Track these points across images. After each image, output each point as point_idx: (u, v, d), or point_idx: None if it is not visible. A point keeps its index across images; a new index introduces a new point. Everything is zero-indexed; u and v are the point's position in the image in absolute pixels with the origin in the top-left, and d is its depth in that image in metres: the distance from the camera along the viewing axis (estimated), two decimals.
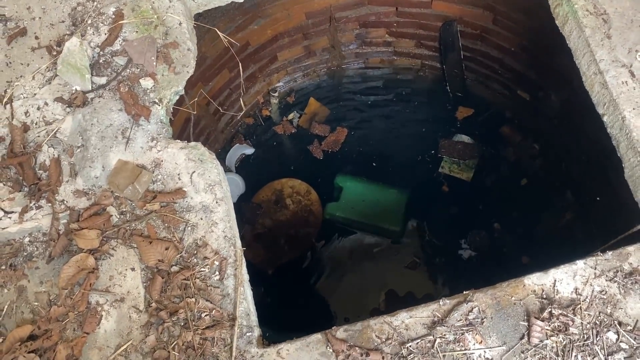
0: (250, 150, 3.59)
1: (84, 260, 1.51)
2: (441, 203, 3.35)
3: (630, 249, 1.45)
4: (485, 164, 3.29)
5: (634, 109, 1.55)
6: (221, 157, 3.52)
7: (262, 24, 3.05)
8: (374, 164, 3.53)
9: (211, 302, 1.47)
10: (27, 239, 1.55)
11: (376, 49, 3.60)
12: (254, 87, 3.51)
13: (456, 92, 3.60)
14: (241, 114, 3.51)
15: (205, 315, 1.46)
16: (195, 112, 1.88)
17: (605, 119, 1.63)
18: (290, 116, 3.67)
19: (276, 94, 3.59)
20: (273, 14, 3.02)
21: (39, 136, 1.61)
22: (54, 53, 1.66)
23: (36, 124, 1.62)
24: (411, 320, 1.43)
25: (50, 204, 1.56)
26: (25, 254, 1.54)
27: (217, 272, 1.50)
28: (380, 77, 3.81)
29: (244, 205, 3.34)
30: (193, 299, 1.47)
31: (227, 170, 3.35)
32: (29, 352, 1.41)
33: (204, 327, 1.45)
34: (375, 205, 3.28)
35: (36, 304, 1.50)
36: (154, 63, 1.63)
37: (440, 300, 1.45)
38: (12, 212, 1.55)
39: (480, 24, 3.14)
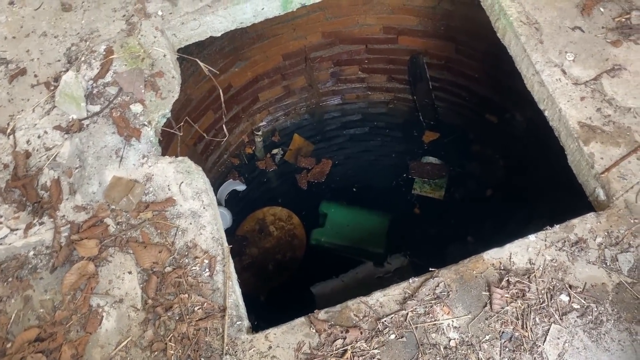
0: (241, 187, 3.76)
1: (85, 267, 1.65)
2: (418, 223, 3.52)
3: (575, 221, 1.63)
4: (454, 181, 3.49)
5: (568, 101, 1.76)
6: None
7: (242, 67, 3.27)
8: (354, 189, 3.71)
9: (203, 297, 1.61)
10: (31, 253, 1.69)
11: (351, 85, 3.84)
12: (238, 127, 3.70)
13: (429, 121, 3.83)
14: (227, 154, 3.71)
15: (198, 309, 1.59)
16: (181, 134, 2.06)
17: (546, 113, 1.84)
18: (274, 151, 3.86)
19: (260, 133, 3.79)
20: (252, 56, 3.25)
21: (40, 161, 1.78)
22: (52, 88, 1.86)
23: (37, 150, 1.80)
24: (385, 298, 1.57)
25: (52, 220, 1.71)
26: (30, 266, 1.68)
27: (207, 269, 1.64)
28: (357, 111, 4.04)
29: (229, 240, 3.47)
30: (186, 295, 1.61)
31: (217, 203, 3.50)
32: (36, 353, 1.53)
33: (197, 319, 1.58)
34: (359, 229, 3.43)
35: (41, 310, 1.62)
36: (143, 90, 1.83)
37: (410, 279, 1.60)
38: (17, 229, 1.70)
39: (445, 55, 3.39)
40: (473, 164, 3.47)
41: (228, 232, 3.56)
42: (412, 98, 3.79)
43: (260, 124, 3.84)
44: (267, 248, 3.45)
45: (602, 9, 1.90)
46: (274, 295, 3.38)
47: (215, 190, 3.66)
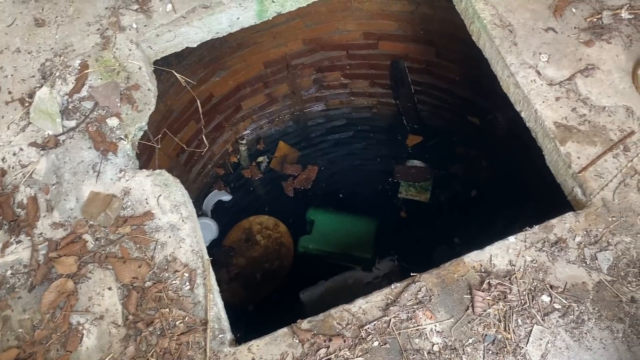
0: (227, 197, 3.74)
1: (64, 285, 1.63)
2: (405, 227, 3.52)
3: (554, 221, 1.63)
4: (439, 184, 3.51)
5: (543, 102, 1.77)
6: (196, 205, 3.67)
7: (223, 76, 3.26)
8: (340, 195, 3.71)
9: (184, 310, 1.59)
10: (9, 272, 1.67)
11: (334, 91, 3.85)
12: (221, 136, 3.69)
13: (412, 124, 3.85)
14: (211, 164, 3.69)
15: (180, 323, 1.58)
16: (159, 146, 2.05)
17: (523, 114, 1.85)
18: (260, 159, 3.85)
19: (244, 142, 3.78)
20: (232, 65, 3.25)
21: (15, 178, 1.76)
22: (26, 104, 1.84)
23: (13, 167, 1.78)
24: (367, 305, 1.57)
25: (29, 238, 1.69)
26: (8, 285, 1.66)
27: (187, 283, 1.63)
28: (341, 117, 4.05)
29: (215, 251, 3.47)
30: (167, 309, 1.59)
31: (203, 214, 3.49)
32: None
33: (179, 333, 1.56)
34: (347, 235, 3.43)
35: (20, 330, 1.60)
36: (119, 104, 1.82)
37: (392, 285, 1.59)
38: None
39: (425, 59, 3.41)
40: (457, 165, 3.48)
41: (215, 243, 3.57)
42: (395, 102, 3.81)
43: (244, 133, 3.84)
44: (254, 257, 3.44)
45: (573, 10, 1.91)
46: (263, 305, 3.36)
47: (201, 202, 3.64)
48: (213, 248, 3.50)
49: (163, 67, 2.48)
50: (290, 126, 4.02)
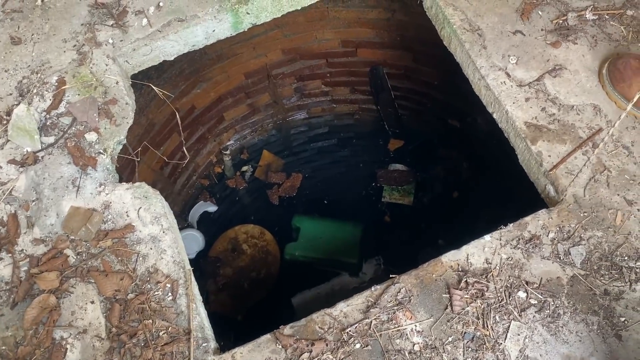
0: (213, 208, 3.75)
1: (46, 300, 1.63)
2: (390, 230, 3.56)
3: (527, 219, 1.67)
4: (422, 187, 3.55)
5: (513, 102, 1.81)
6: (182, 217, 3.68)
7: (204, 88, 3.28)
8: (325, 202, 3.74)
9: (167, 321, 1.60)
10: None
11: (316, 99, 3.88)
12: (205, 148, 3.71)
13: (394, 129, 3.89)
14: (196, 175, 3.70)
15: (163, 333, 1.59)
16: (138, 160, 2.06)
17: (495, 116, 1.89)
18: (244, 168, 3.87)
19: (228, 152, 3.80)
20: (213, 77, 3.27)
21: None
22: (4, 122, 1.85)
23: None
24: (348, 308, 1.59)
25: (10, 255, 1.69)
26: None
27: (169, 294, 1.64)
28: (324, 124, 4.08)
29: (202, 262, 3.47)
30: (150, 320, 1.60)
31: (189, 225, 3.50)
32: None
33: (162, 344, 1.57)
34: (332, 241, 3.45)
35: (4, 347, 1.60)
36: (97, 119, 1.83)
37: (372, 287, 1.62)
38: None
39: (403, 64, 3.46)
40: (438, 168, 3.53)
41: (201, 254, 3.57)
42: (376, 108, 3.85)
43: (228, 143, 3.85)
44: (241, 267, 3.45)
45: (540, 13, 1.96)
46: (253, 314, 3.37)
47: (187, 213, 3.65)
48: (200, 259, 3.50)
49: (143, 80, 2.50)
50: (273, 135, 4.05)
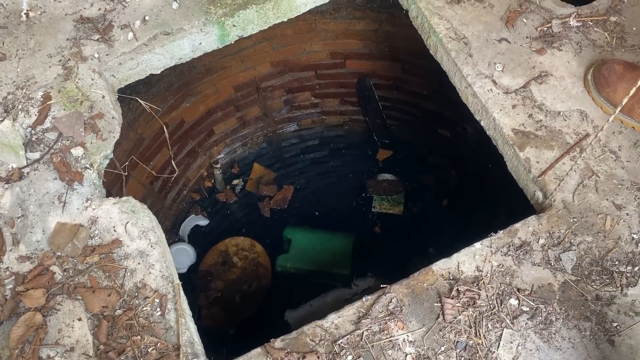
0: (204, 222, 3.73)
1: (32, 318, 1.61)
2: (381, 241, 3.55)
3: (518, 225, 1.66)
4: (411, 196, 3.55)
5: (500, 110, 1.81)
6: (173, 232, 3.65)
7: (193, 101, 3.28)
8: (316, 213, 3.73)
9: (156, 337, 1.58)
10: None
11: (305, 111, 3.88)
12: (195, 162, 3.69)
13: (383, 140, 3.90)
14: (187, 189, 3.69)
15: (152, 349, 1.56)
16: (126, 173, 2.04)
17: (482, 123, 1.89)
18: (235, 182, 3.86)
19: (218, 166, 3.79)
20: (202, 90, 3.26)
21: None
22: None
23: None
24: (340, 319, 1.57)
25: None
26: None
27: (158, 309, 1.62)
28: (314, 136, 4.08)
29: (193, 276, 3.44)
30: (138, 336, 1.57)
31: (180, 240, 3.47)
32: None
33: None
34: (324, 252, 3.44)
35: None
36: (83, 133, 1.82)
37: (363, 298, 1.60)
38: None
39: (392, 75, 3.47)
40: (427, 176, 3.53)
41: (193, 268, 3.54)
42: (364, 119, 3.86)
43: (218, 157, 3.84)
44: (232, 280, 3.42)
45: (525, 20, 1.98)
46: (246, 327, 3.34)
47: (178, 227, 3.62)
48: (191, 273, 3.47)
49: (131, 95, 2.49)
50: (264, 148, 4.05)
